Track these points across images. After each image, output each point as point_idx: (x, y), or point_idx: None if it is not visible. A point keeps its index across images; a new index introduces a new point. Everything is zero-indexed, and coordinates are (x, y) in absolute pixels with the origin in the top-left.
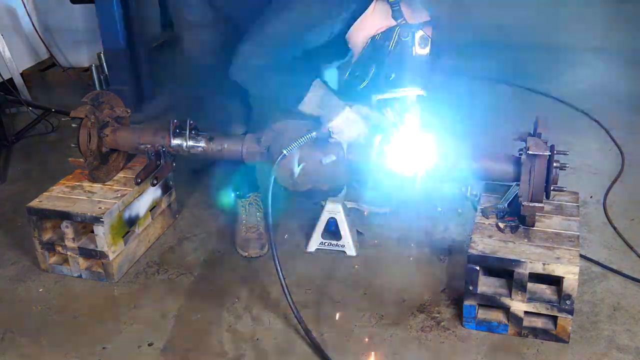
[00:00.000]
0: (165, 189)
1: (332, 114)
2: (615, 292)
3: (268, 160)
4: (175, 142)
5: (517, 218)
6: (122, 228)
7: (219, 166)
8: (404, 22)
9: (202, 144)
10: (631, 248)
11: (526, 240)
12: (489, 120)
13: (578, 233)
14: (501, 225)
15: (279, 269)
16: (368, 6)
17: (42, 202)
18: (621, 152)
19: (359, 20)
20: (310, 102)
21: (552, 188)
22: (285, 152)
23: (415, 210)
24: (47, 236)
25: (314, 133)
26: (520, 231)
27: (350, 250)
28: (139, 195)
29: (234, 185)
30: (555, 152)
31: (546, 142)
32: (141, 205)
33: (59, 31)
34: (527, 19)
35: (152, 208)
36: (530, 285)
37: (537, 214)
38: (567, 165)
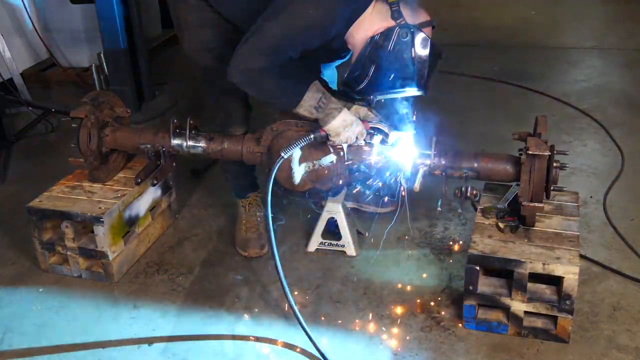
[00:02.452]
0: (165, 189)
1: (329, 116)
2: (615, 292)
3: (267, 160)
4: (175, 142)
5: (517, 218)
6: (122, 228)
7: (219, 166)
8: (403, 22)
9: (202, 144)
10: (631, 248)
11: (526, 240)
12: (488, 120)
13: (578, 233)
14: (501, 225)
15: (279, 269)
16: (367, 7)
17: (42, 202)
18: (621, 152)
19: (358, 20)
20: (307, 105)
21: (552, 188)
22: (283, 154)
23: (416, 210)
24: (47, 236)
25: (312, 135)
26: (520, 231)
27: (350, 250)
28: (139, 195)
29: (233, 185)
30: (555, 152)
31: (546, 142)
32: (141, 205)
33: (59, 31)
34: (526, 18)
35: (152, 208)
36: (530, 285)
37: (537, 214)
38: (567, 165)
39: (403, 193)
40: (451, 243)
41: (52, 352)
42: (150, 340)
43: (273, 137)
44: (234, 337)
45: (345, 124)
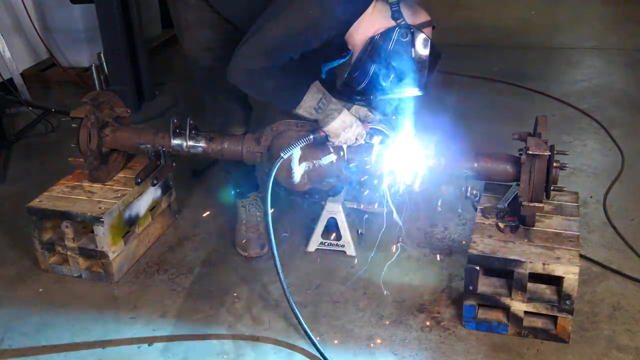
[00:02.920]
0: (165, 189)
1: (328, 118)
2: (615, 292)
3: (267, 160)
4: (175, 142)
5: (517, 218)
6: (122, 228)
7: (219, 166)
8: (403, 22)
9: (202, 144)
10: (631, 248)
11: (526, 240)
12: (488, 119)
13: (578, 233)
14: (501, 225)
15: (279, 269)
16: (367, 7)
17: (42, 202)
18: (621, 152)
19: (358, 20)
20: (307, 106)
21: (552, 188)
22: (282, 155)
23: (415, 210)
24: (47, 236)
25: (312, 136)
26: (520, 231)
27: (350, 250)
28: (139, 195)
29: (234, 185)
30: (555, 152)
31: (546, 142)
32: (141, 205)
33: (59, 31)
34: (526, 19)
35: (152, 208)
36: (530, 285)
37: (537, 214)
38: (567, 165)
39: (392, 192)
40: (451, 243)
41: (52, 352)
42: (150, 340)
43: (273, 137)
44: (233, 337)
45: (344, 126)
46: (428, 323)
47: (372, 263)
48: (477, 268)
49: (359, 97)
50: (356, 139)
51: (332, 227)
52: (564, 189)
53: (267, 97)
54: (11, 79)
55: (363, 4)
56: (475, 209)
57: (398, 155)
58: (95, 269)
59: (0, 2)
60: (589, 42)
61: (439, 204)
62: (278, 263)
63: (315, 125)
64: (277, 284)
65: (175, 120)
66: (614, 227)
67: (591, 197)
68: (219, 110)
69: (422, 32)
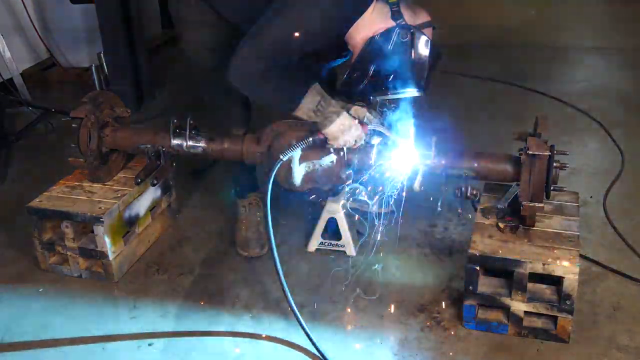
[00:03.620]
0: (165, 189)
1: (327, 120)
2: (615, 292)
3: (267, 161)
4: (175, 142)
5: (517, 218)
6: (122, 228)
7: (219, 166)
8: (403, 22)
9: (202, 144)
10: (631, 248)
11: (526, 240)
12: (488, 120)
13: (578, 233)
14: (501, 225)
15: (279, 269)
16: (368, 7)
17: (42, 202)
18: (621, 152)
19: (358, 20)
20: (306, 108)
21: (552, 188)
22: (282, 157)
23: (415, 210)
24: (47, 236)
25: (311, 138)
26: (520, 231)
27: (350, 250)
28: (139, 195)
29: (234, 185)
30: (555, 152)
31: (546, 142)
32: (141, 205)
33: (59, 31)
34: (526, 18)
35: (152, 208)
36: (530, 285)
37: (537, 214)
38: (567, 165)
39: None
40: (451, 243)
41: (52, 353)
42: (150, 339)
43: (273, 137)
44: (234, 335)
45: (343, 129)
46: (428, 323)
47: (372, 263)
48: (477, 268)
49: (358, 98)
50: (355, 141)
51: (332, 227)
52: (564, 189)
53: (266, 99)
54: (11, 79)
55: (363, 5)
56: (475, 209)
57: (398, 156)
58: (95, 269)
59: (0, 2)
60: (589, 42)
61: (439, 204)
62: (278, 263)
63: (315, 126)
64: (277, 284)
65: (175, 120)
66: (614, 227)
67: (591, 197)
68: (218, 110)
69: (422, 32)
